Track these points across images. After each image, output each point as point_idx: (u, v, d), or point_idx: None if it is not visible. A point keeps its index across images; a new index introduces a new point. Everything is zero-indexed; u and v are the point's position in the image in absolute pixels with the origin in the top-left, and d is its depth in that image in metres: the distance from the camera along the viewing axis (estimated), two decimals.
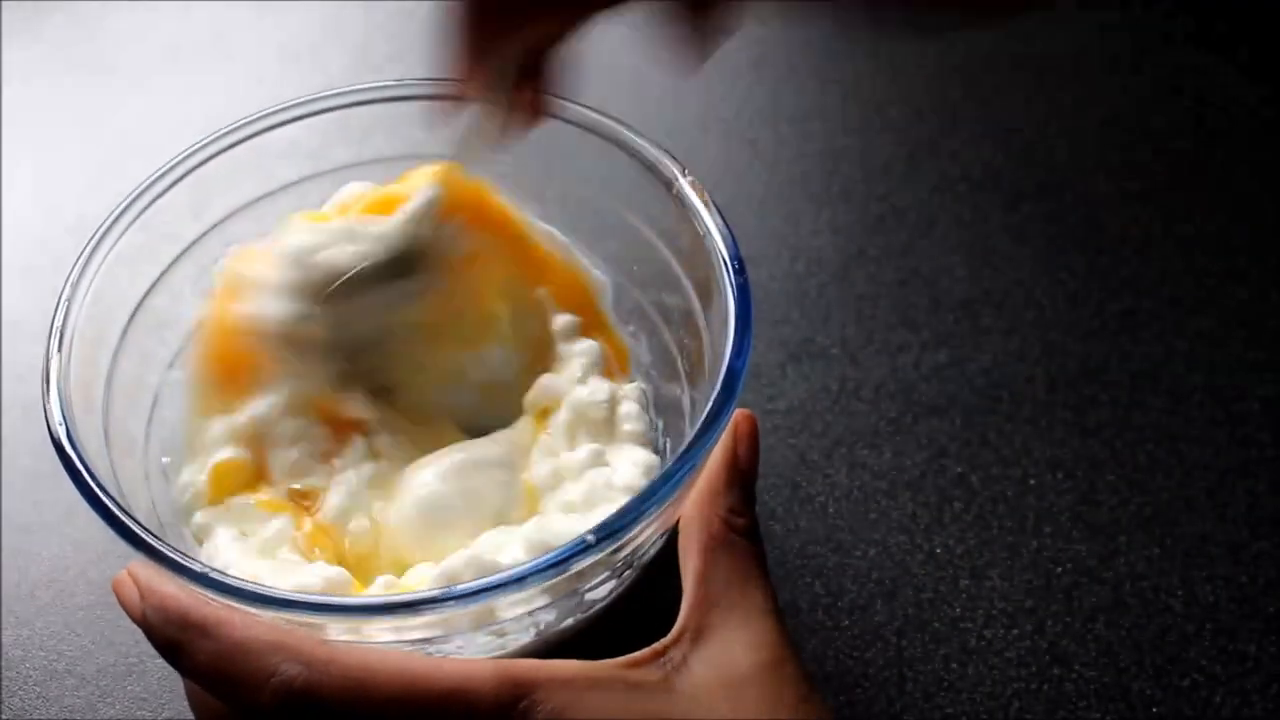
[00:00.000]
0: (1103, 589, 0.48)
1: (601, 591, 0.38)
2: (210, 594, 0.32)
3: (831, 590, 0.49)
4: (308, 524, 0.41)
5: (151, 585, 0.33)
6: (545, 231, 0.46)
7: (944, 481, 0.52)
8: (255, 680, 0.31)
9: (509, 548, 0.38)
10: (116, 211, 0.41)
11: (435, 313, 0.44)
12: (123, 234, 0.41)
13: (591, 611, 0.39)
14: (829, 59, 0.70)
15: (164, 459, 0.42)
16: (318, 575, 0.38)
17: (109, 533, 0.33)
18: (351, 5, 0.73)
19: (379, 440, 0.43)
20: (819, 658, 0.47)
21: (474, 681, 0.31)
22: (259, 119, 0.44)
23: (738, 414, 0.39)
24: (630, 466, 0.41)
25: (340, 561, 0.40)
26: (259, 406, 0.42)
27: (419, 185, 0.43)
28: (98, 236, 0.40)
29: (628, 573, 0.38)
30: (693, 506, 0.37)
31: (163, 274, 0.43)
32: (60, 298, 0.39)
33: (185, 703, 0.37)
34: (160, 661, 0.33)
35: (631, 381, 0.45)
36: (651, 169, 0.41)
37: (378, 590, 0.38)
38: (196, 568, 0.32)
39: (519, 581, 0.31)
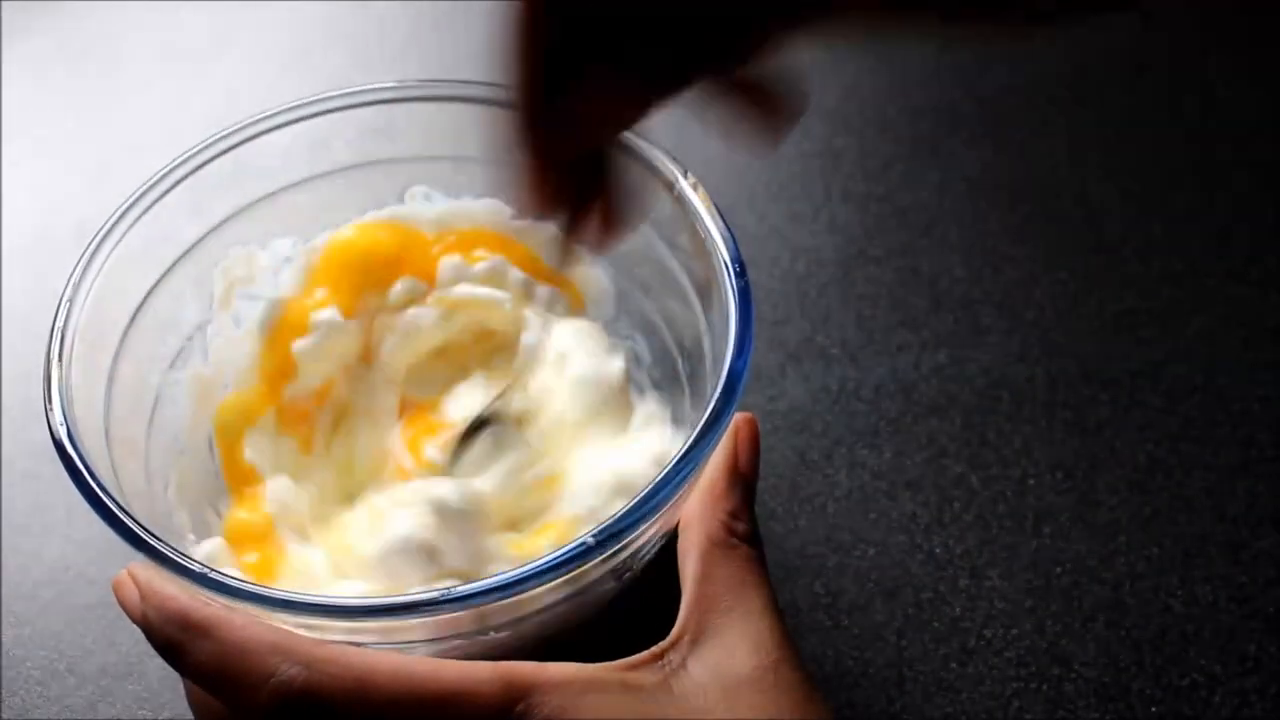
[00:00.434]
0: (1103, 589, 0.49)
1: (600, 593, 0.38)
2: (210, 594, 0.32)
3: (831, 590, 0.49)
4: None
5: (151, 586, 0.33)
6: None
7: (944, 481, 0.52)
8: (254, 681, 0.31)
9: None
10: (118, 213, 0.41)
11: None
12: (124, 235, 0.41)
13: (591, 614, 0.39)
14: (829, 59, 0.70)
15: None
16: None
17: (109, 533, 0.34)
18: (351, 5, 0.73)
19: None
20: (819, 658, 0.47)
21: (473, 684, 0.31)
22: (259, 120, 0.44)
23: (739, 417, 0.39)
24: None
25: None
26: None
27: None
28: (99, 237, 0.40)
29: (627, 575, 0.38)
30: (693, 509, 0.37)
31: (164, 275, 0.43)
32: (61, 298, 0.39)
33: (185, 703, 0.37)
34: (160, 661, 0.33)
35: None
36: (652, 170, 0.41)
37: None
38: (196, 568, 0.32)
39: (519, 584, 0.31)
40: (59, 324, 0.38)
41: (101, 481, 0.34)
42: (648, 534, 0.35)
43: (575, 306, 0.47)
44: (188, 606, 0.32)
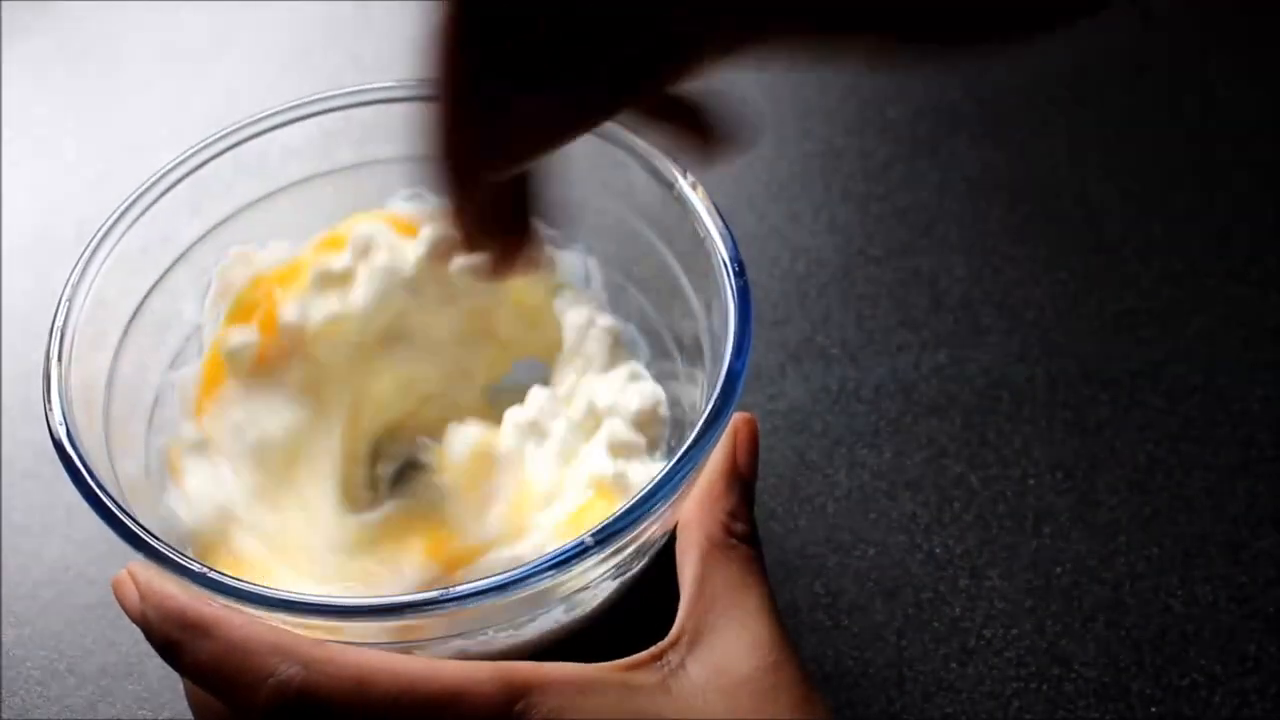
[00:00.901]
0: (1103, 589, 0.49)
1: (599, 593, 0.38)
2: (209, 594, 0.32)
3: (831, 590, 0.49)
4: None
5: (151, 585, 0.33)
6: None
7: (944, 481, 0.52)
8: (253, 680, 0.31)
9: None
10: (117, 212, 0.41)
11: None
12: (123, 235, 0.41)
13: (590, 614, 0.39)
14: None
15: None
16: None
17: (109, 533, 0.33)
18: (351, 6, 0.73)
19: None
20: (819, 658, 0.47)
21: (472, 683, 0.31)
22: (259, 119, 0.44)
23: (738, 417, 0.39)
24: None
25: None
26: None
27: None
28: (98, 237, 0.40)
29: (626, 575, 0.38)
30: (691, 509, 0.37)
31: (163, 275, 0.43)
32: (61, 298, 0.39)
33: (185, 703, 0.37)
34: (160, 661, 0.33)
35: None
36: (652, 170, 0.41)
37: None
38: (196, 568, 0.32)
39: (517, 583, 0.31)
40: (58, 323, 0.38)
41: (100, 481, 0.34)
42: (647, 533, 0.35)
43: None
44: (187, 606, 0.32)
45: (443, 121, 0.34)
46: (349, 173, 0.46)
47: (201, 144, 0.43)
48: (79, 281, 0.39)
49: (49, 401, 0.36)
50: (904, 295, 0.58)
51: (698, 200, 0.40)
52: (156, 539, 0.33)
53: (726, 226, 0.39)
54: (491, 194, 0.37)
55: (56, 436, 0.35)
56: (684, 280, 0.42)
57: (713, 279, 0.39)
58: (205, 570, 0.32)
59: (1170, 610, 0.48)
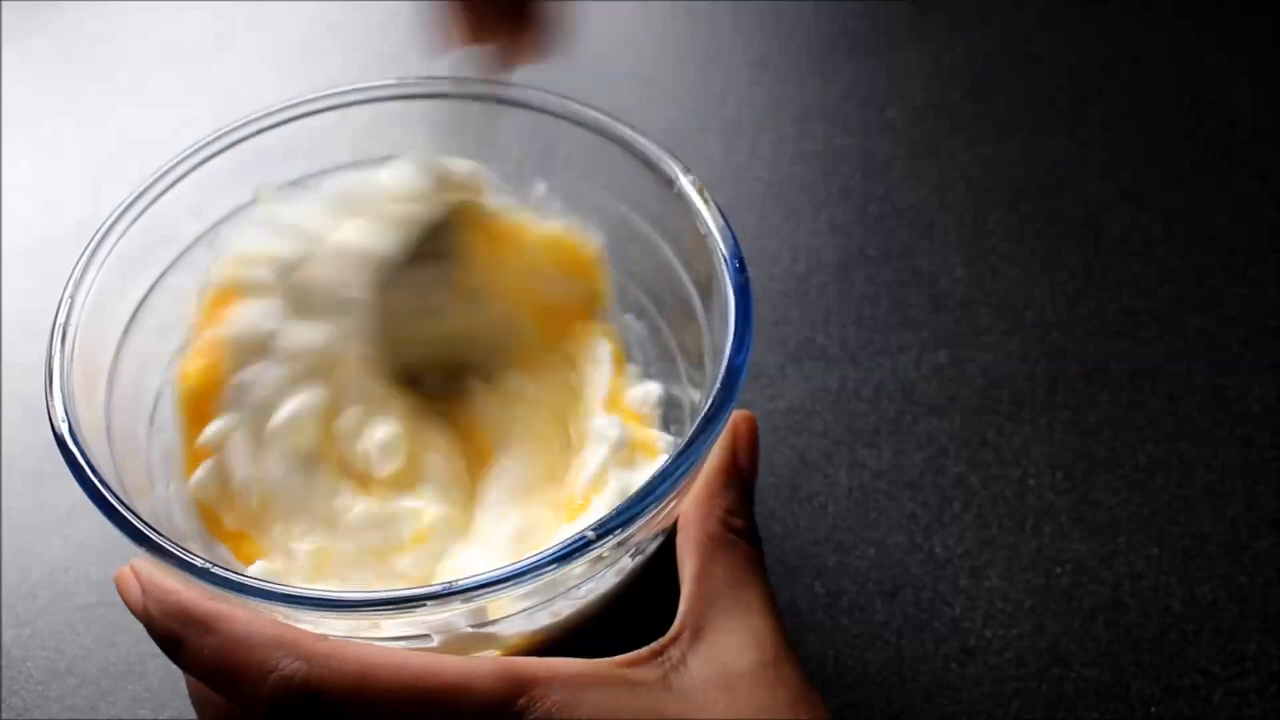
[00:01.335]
0: (1102, 589, 0.49)
1: (600, 589, 0.38)
2: (212, 589, 0.32)
3: (831, 590, 0.49)
4: None
5: (153, 580, 0.33)
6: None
7: (944, 481, 0.52)
8: (256, 675, 0.31)
9: None
10: (118, 211, 0.41)
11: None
12: (124, 233, 0.41)
13: (590, 610, 0.39)
14: (829, 59, 0.70)
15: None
16: None
17: (110, 531, 0.33)
18: (351, 5, 0.73)
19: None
20: (819, 658, 0.47)
21: (474, 678, 0.31)
22: (259, 118, 0.44)
23: (738, 415, 0.39)
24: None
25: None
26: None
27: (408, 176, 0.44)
28: (100, 235, 0.40)
29: (627, 571, 0.38)
30: (691, 506, 0.37)
31: (164, 273, 0.43)
32: (63, 295, 0.39)
33: (186, 702, 0.37)
34: (161, 661, 0.33)
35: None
36: (652, 167, 0.41)
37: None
38: (198, 563, 0.32)
39: (519, 577, 0.32)
40: (60, 320, 0.38)
41: (103, 477, 0.34)
42: (647, 529, 0.35)
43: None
44: (189, 601, 0.32)
45: None
46: (349, 172, 0.46)
47: (201, 142, 0.43)
48: (80, 278, 0.39)
49: (51, 396, 0.36)
50: (904, 295, 0.58)
51: (697, 197, 0.40)
52: (159, 534, 0.33)
53: (727, 223, 0.40)
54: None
55: (59, 432, 0.35)
56: (684, 277, 0.42)
57: (713, 276, 0.39)
58: (208, 565, 0.32)
59: (1170, 610, 0.48)
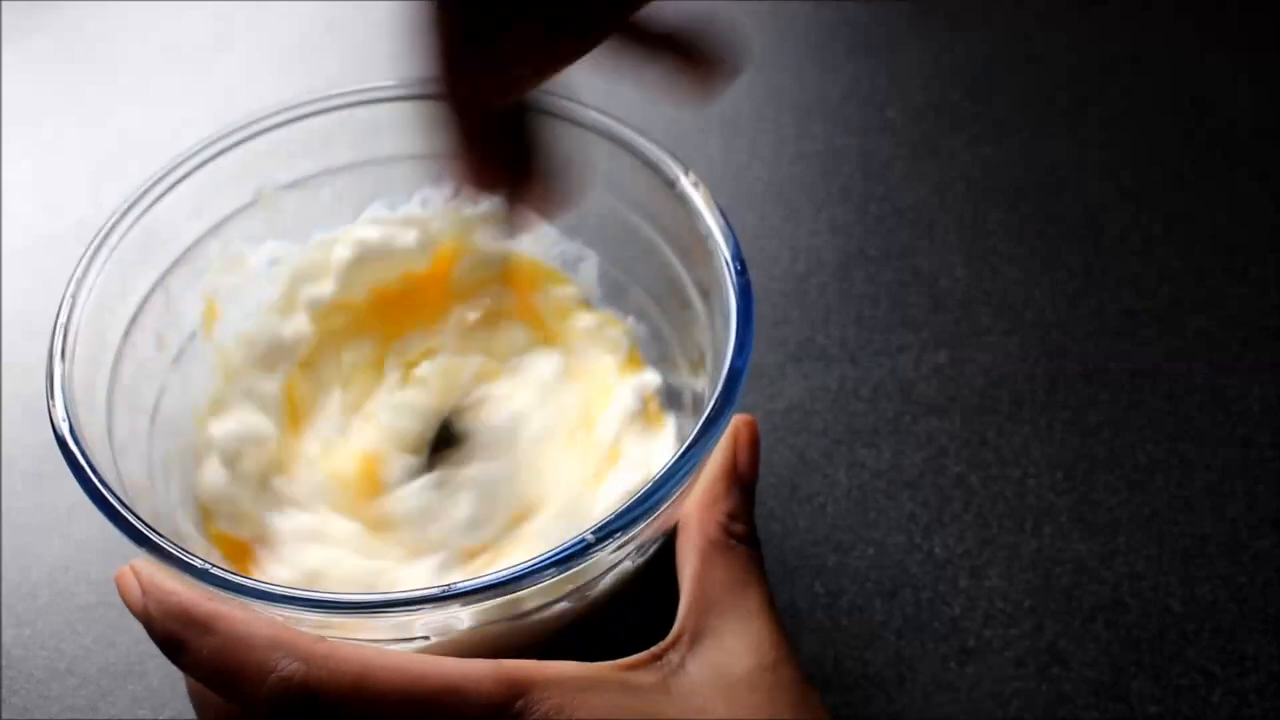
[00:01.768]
0: (1102, 589, 0.49)
1: (600, 591, 0.38)
2: (211, 590, 0.32)
3: (831, 590, 0.49)
4: None
5: (154, 580, 0.33)
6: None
7: (944, 481, 0.52)
8: (254, 676, 0.31)
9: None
10: (119, 211, 0.41)
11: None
12: (125, 233, 0.41)
13: (590, 612, 0.39)
14: (829, 59, 0.70)
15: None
16: None
17: (110, 531, 0.33)
18: (351, 5, 0.73)
19: None
20: (819, 658, 0.47)
21: (472, 681, 0.31)
22: (259, 119, 0.44)
23: (739, 419, 0.39)
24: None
25: None
26: None
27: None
28: (100, 236, 0.40)
29: (626, 573, 0.38)
30: (692, 510, 0.37)
31: (164, 274, 0.43)
32: (64, 294, 0.39)
33: (186, 702, 0.37)
34: (161, 661, 0.33)
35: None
36: (653, 168, 0.41)
37: None
38: (198, 564, 0.32)
39: (519, 580, 0.32)
40: (61, 320, 0.38)
41: (103, 477, 0.34)
42: (647, 531, 0.35)
43: None
44: (189, 601, 0.32)
45: (435, 54, 0.35)
46: (349, 172, 0.46)
47: (201, 144, 0.43)
48: (82, 278, 0.39)
49: (52, 397, 0.36)
50: (904, 295, 0.58)
51: (698, 198, 0.40)
52: (159, 535, 0.33)
53: (728, 224, 0.39)
54: (495, 132, 0.37)
55: (59, 432, 0.35)
56: (685, 278, 0.42)
57: (714, 277, 0.39)
58: (207, 566, 0.32)
59: (1170, 610, 0.48)
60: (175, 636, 0.32)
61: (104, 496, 0.34)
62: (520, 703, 0.31)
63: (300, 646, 0.31)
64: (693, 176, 0.41)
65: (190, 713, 0.37)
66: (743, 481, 0.38)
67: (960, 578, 0.49)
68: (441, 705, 0.31)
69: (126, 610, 0.34)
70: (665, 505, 0.34)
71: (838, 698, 0.46)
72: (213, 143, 0.43)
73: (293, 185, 0.46)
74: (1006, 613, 0.48)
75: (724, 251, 0.39)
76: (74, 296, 0.39)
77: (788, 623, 0.37)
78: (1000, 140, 0.65)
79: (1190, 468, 0.52)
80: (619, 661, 0.33)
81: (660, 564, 0.38)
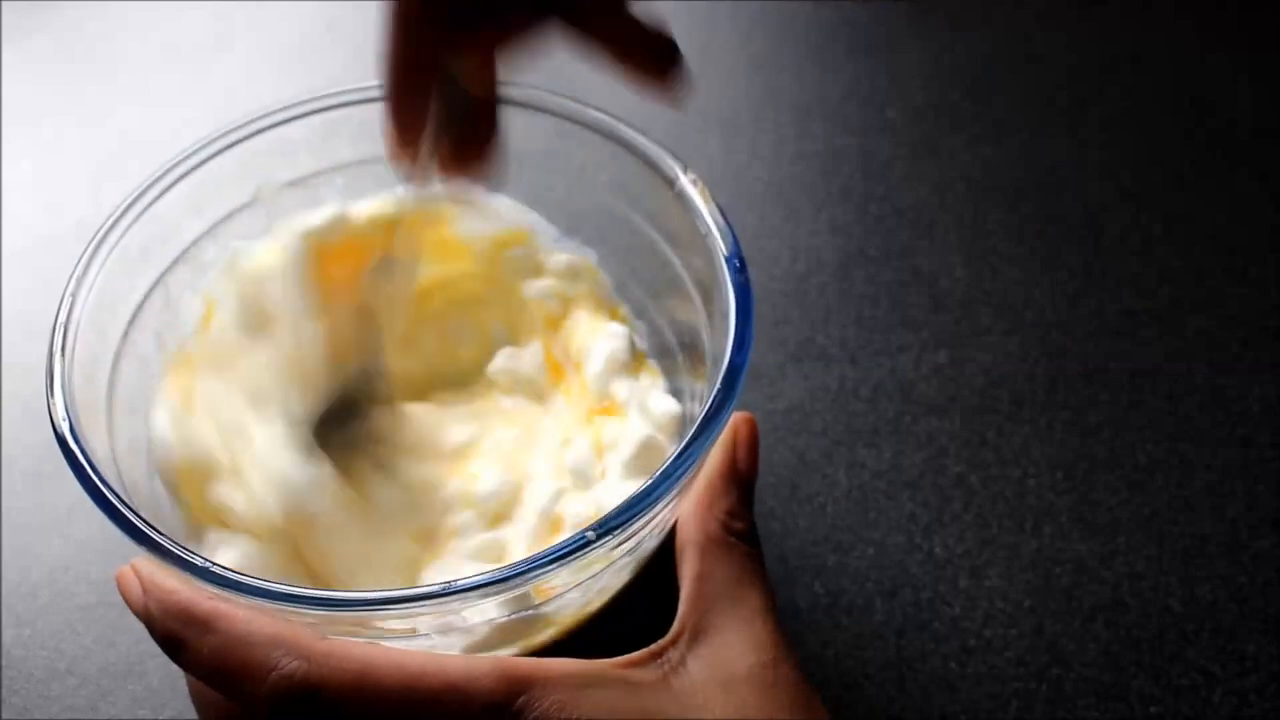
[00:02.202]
0: (1102, 589, 0.49)
1: (599, 589, 0.38)
2: (212, 589, 0.32)
3: (831, 590, 0.49)
4: None
5: (154, 579, 0.33)
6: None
7: (943, 481, 0.52)
8: (255, 674, 0.31)
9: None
10: (119, 211, 0.41)
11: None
12: (125, 233, 0.41)
13: (590, 610, 0.39)
14: (828, 58, 0.70)
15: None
16: None
17: (110, 531, 0.33)
18: (351, 5, 0.73)
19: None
20: (819, 658, 0.47)
21: (473, 678, 0.31)
22: (259, 119, 0.44)
23: (738, 417, 0.39)
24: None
25: None
26: None
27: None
28: (100, 235, 0.40)
29: (626, 571, 0.38)
30: (691, 508, 0.37)
31: (164, 273, 0.43)
32: (64, 293, 0.39)
33: (186, 702, 0.37)
34: (161, 660, 0.33)
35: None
36: (653, 167, 0.41)
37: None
38: (199, 562, 0.32)
39: (519, 576, 0.32)
40: (61, 318, 0.38)
41: (103, 476, 0.34)
42: (647, 528, 0.35)
43: None
44: (189, 600, 0.32)
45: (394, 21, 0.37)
46: (349, 171, 0.46)
47: (201, 143, 0.43)
48: (82, 276, 0.39)
49: (52, 395, 0.36)
50: (904, 295, 0.58)
51: (698, 196, 0.40)
52: (159, 533, 0.33)
53: (727, 223, 0.40)
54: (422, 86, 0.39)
55: (59, 430, 0.35)
56: (685, 277, 0.42)
57: (713, 276, 0.39)
58: (208, 564, 0.32)
59: (1170, 610, 0.48)
60: (176, 635, 0.32)
61: (104, 496, 0.34)
62: (521, 700, 0.31)
63: (301, 644, 0.31)
64: (692, 175, 0.41)
65: (191, 712, 0.37)
66: (742, 479, 0.38)
67: (960, 578, 0.49)
68: (443, 703, 0.31)
69: (127, 610, 0.34)
70: (665, 502, 0.34)
71: (838, 698, 0.46)
72: (212, 142, 0.43)
73: (293, 184, 0.46)
74: (1006, 613, 0.48)
75: (723, 250, 0.39)
76: (74, 295, 0.39)
77: (788, 623, 0.37)
78: (1000, 140, 0.65)
79: (1190, 468, 0.52)
80: (619, 659, 0.33)
81: (660, 562, 0.38)
